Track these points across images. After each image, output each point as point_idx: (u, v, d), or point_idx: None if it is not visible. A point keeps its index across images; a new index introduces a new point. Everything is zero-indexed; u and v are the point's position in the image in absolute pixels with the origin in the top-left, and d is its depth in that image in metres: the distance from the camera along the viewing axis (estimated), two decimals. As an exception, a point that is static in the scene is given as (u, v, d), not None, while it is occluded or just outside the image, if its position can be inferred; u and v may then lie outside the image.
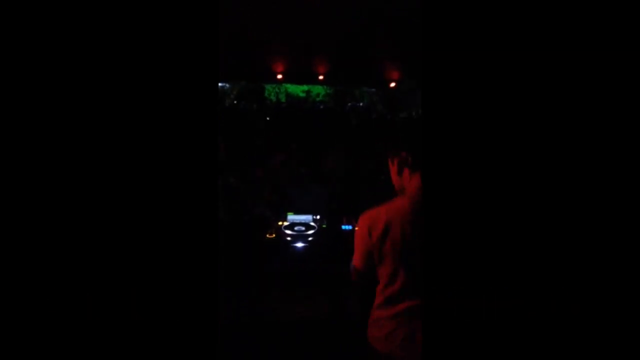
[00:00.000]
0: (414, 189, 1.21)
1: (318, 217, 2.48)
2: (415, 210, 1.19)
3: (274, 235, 2.24)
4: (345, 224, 2.38)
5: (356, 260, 1.35)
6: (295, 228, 2.33)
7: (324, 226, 2.39)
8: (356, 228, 1.31)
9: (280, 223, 2.39)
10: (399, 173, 1.24)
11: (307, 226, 2.37)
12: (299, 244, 2.23)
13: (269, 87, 10.91)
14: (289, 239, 2.25)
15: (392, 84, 7.25)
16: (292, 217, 2.47)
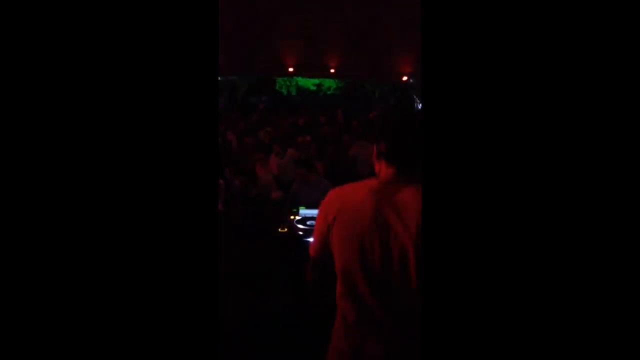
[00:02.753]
0: (385, 176, 1.15)
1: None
2: (381, 194, 1.11)
3: (286, 230, 2.23)
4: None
5: (311, 246, 1.24)
6: (308, 222, 2.32)
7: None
8: None
9: (292, 217, 2.38)
10: (377, 160, 1.19)
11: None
12: (311, 239, 2.22)
13: (279, 81, 10.93)
14: (301, 233, 2.24)
15: (404, 77, 7.19)
16: (304, 211, 2.46)
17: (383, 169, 1.17)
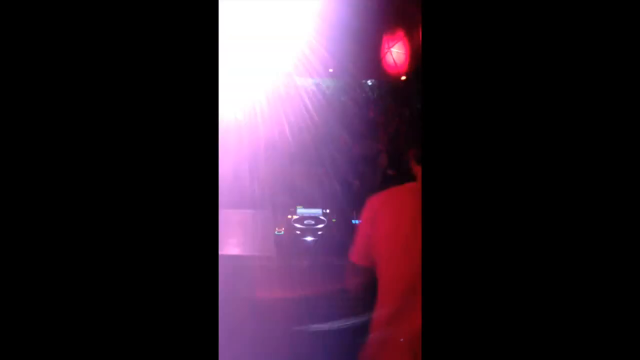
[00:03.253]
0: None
1: (328, 211, 2.47)
2: (418, 198, 1.14)
3: (282, 230, 2.23)
4: (355, 219, 2.36)
5: (354, 253, 1.26)
6: (305, 222, 2.32)
7: (333, 220, 2.37)
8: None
9: (289, 217, 2.38)
10: (417, 162, 1.22)
11: (317, 220, 2.36)
12: (309, 238, 2.22)
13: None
14: (298, 232, 2.24)
15: (403, 77, 7.21)
16: (301, 210, 2.46)
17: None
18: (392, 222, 1.16)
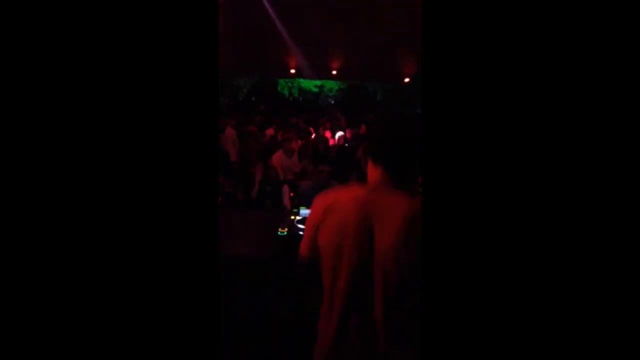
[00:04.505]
0: (373, 180, 1.15)
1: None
2: (366, 202, 1.10)
3: (286, 230, 2.23)
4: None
5: (302, 245, 1.24)
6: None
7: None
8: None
9: (292, 217, 2.38)
10: (366, 161, 1.19)
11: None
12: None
13: (281, 82, 10.92)
14: (301, 233, 2.24)
15: (407, 79, 7.20)
16: (304, 211, 2.46)
17: (371, 170, 1.17)
18: (330, 221, 1.13)
